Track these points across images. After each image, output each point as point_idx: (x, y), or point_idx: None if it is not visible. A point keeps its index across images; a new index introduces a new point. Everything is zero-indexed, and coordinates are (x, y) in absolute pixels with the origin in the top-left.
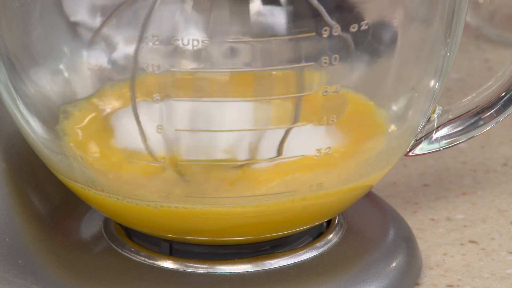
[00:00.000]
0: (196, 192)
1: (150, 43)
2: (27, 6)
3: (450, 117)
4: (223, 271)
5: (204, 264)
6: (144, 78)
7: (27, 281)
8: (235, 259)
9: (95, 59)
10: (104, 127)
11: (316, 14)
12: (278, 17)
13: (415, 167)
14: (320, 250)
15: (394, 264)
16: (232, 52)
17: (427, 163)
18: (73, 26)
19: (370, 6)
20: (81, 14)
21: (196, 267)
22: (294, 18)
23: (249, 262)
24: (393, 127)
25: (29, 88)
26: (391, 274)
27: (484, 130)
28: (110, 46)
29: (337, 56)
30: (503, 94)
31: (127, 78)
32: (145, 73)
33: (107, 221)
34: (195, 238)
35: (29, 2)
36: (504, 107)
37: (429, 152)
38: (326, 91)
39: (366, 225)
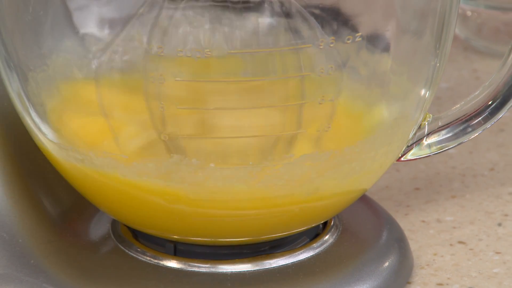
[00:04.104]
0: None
1: (156, 54)
2: (39, 19)
3: (440, 124)
4: (224, 271)
5: (206, 263)
6: (150, 88)
7: (39, 280)
8: (236, 259)
9: (103, 69)
10: (112, 134)
11: (313, 27)
12: (277, 29)
13: (407, 171)
14: (317, 250)
15: (386, 264)
16: (233, 62)
17: (418, 168)
18: (83, 38)
19: (364, 19)
20: (90, 26)
21: (199, 267)
22: (292, 30)
23: (249, 261)
24: (385, 134)
25: (41, 97)
26: (384, 273)
27: (472, 137)
28: (118, 57)
29: (332, 66)
30: (490, 102)
31: (134, 88)
32: (151, 82)
33: (114, 223)
34: (198, 239)
35: (41, 15)
36: (491, 114)
37: (420, 158)
38: (322, 100)
39: (360, 227)
